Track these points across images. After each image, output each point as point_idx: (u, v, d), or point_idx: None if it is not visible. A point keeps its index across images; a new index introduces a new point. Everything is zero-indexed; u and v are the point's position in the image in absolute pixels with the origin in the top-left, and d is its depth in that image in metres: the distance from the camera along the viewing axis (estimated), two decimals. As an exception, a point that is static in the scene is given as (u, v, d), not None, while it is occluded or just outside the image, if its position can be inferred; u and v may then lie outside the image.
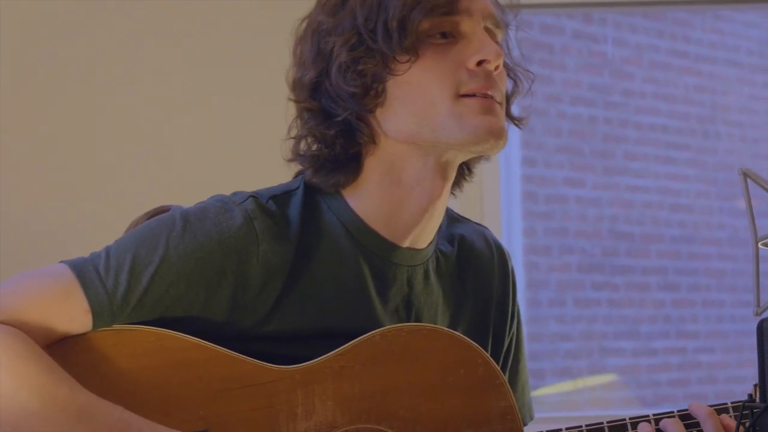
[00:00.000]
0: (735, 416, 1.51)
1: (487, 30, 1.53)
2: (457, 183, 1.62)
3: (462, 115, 1.47)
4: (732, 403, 1.53)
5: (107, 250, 1.47)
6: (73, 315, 1.43)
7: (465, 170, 1.64)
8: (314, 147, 1.54)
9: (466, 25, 1.50)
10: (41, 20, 2.85)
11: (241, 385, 1.45)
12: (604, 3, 3.45)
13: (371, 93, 1.49)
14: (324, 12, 1.53)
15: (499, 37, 1.56)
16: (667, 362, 4.31)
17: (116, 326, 1.44)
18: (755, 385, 1.46)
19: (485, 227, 1.76)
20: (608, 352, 4.20)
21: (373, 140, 1.52)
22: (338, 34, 1.50)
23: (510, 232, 3.82)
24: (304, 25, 1.58)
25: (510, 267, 1.74)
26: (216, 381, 1.44)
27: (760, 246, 1.26)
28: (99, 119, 2.87)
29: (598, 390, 4.15)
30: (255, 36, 2.89)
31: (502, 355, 1.71)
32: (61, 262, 1.47)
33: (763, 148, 4.38)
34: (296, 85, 1.55)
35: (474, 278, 1.68)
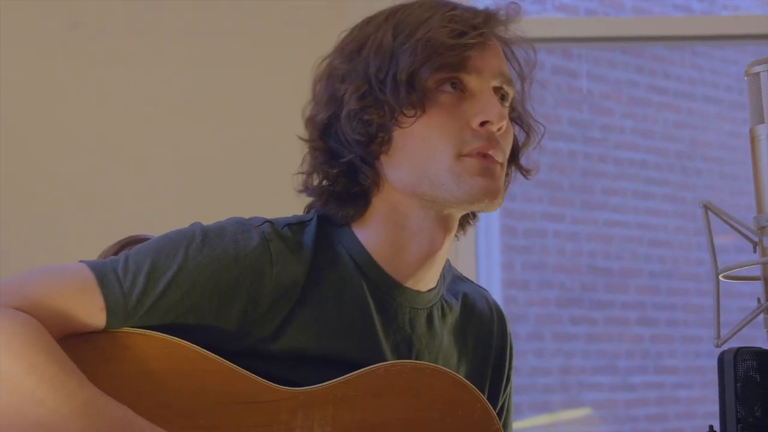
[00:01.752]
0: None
1: (497, 89, 1.56)
2: (462, 226, 1.67)
3: (460, 173, 1.51)
4: None
5: (126, 255, 1.51)
6: (88, 311, 1.45)
7: (469, 215, 1.68)
8: (322, 183, 1.60)
9: (474, 83, 1.54)
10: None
11: (244, 400, 1.47)
12: (583, 38, 3.48)
13: (376, 141, 1.54)
14: (341, 56, 1.58)
15: (511, 93, 1.59)
16: (644, 397, 4.30)
17: (127, 329, 1.47)
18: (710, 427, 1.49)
19: (486, 290, 1.80)
20: (586, 386, 4.20)
21: (376, 183, 1.57)
22: (350, 82, 1.55)
23: (488, 266, 3.83)
24: (324, 64, 1.62)
25: (508, 331, 1.78)
26: (219, 393, 1.47)
27: (720, 278, 1.27)
28: (85, 125, 2.87)
29: (575, 424, 4.14)
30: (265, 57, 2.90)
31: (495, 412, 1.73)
32: (80, 261, 1.50)
33: (741, 184, 4.40)
34: (309, 123, 1.61)
35: (474, 336, 1.71)
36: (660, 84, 4.44)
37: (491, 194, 1.52)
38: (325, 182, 1.59)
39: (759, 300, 1.27)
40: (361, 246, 1.58)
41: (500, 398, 1.74)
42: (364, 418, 1.50)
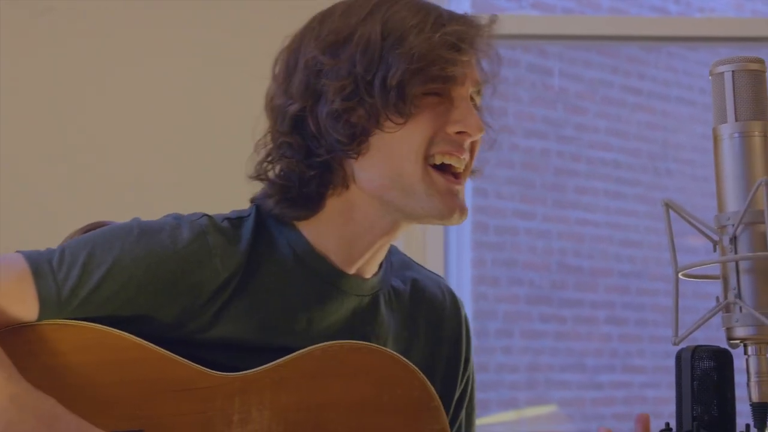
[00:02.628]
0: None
1: (472, 99, 1.58)
2: None
3: (430, 185, 1.52)
4: None
5: (63, 247, 1.51)
6: (21, 302, 1.45)
7: None
8: (286, 178, 1.57)
9: (456, 92, 1.55)
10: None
11: (179, 387, 1.47)
12: (558, 36, 3.48)
13: (356, 142, 1.53)
14: (320, 48, 1.55)
15: (479, 101, 1.61)
16: (612, 396, 4.32)
17: (59, 320, 1.47)
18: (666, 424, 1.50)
19: (440, 276, 1.80)
20: (554, 384, 4.21)
21: (345, 185, 1.56)
22: (333, 78, 1.52)
23: (459, 262, 3.83)
24: (294, 45, 1.60)
25: (463, 314, 1.77)
26: (154, 381, 1.47)
27: (680, 276, 1.27)
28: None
29: (541, 421, 4.15)
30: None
31: (455, 399, 1.73)
32: (17, 251, 1.50)
33: (713, 186, 4.39)
34: (277, 112, 1.58)
35: (426, 321, 1.71)
36: (634, 85, 4.45)
37: (460, 211, 1.54)
38: (290, 180, 1.57)
39: (717, 299, 1.28)
40: (305, 239, 1.58)
41: (459, 383, 1.74)
42: (302, 400, 1.50)
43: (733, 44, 3.42)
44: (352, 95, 1.51)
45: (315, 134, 1.54)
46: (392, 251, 1.72)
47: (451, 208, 1.53)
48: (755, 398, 1.25)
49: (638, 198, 4.39)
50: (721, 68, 1.29)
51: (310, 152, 1.55)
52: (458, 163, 1.55)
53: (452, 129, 1.53)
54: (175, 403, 1.47)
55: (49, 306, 1.46)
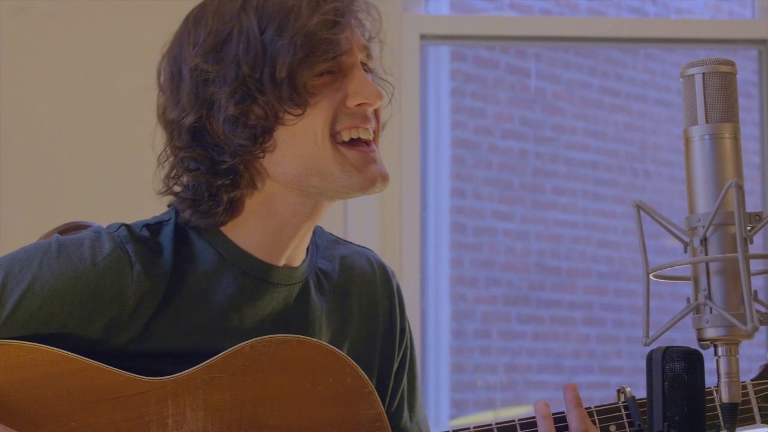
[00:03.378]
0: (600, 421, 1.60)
1: (363, 63, 1.56)
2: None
3: (344, 163, 1.51)
4: (599, 407, 1.62)
5: None
6: None
7: None
8: (194, 191, 1.55)
9: (345, 62, 1.53)
10: None
11: (112, 396, 1.47)
12: (535, 37, 3.49)
13: (260, 141, 1.51)
14: (201, 54, 1.51)
15: (371, 64, 1.59)
16: (589, 397, 4.31)
17: None
18: (618, 390, 1.59)
19: (369, 249, 1.79)
20: (532, 385, 4.21)
21: (254, 185, 1.54)
22: (222, 84, 1.49)
23: (437, 263, 3.83)
24: (173, 52, 1.56)
25: (394, 284, 1.76)
26: (86, 392, 1.47)
27: (651, 277, 1.28)
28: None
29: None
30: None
31: (395, 370, 1.73)
32: None
33: (690, 187, 4.42)
34: (173, 125, 1.55)
35: (358, 296, 1.70)
36: (612, 86, 4.46)
37: (381, 179, 1.54)
38: (202, 191, 1.53)
39: (688, 300, 1.28)
40: (229, 240, 1.56)
41: (397, 354, 1.74)
42: (236, 397, 1.51)
43: (710, 46, 3.43)
44: (245, 97, 1.49)
45: (216, 143, 1.52)
46: (316, 233, 1.70)
47: (370, 179, 1.53)
48: (725, 399, 1.25)
49: (616, 199, 4.41)
50: (691, 70, 1.30)
51: (214, 161, 1.52)
52: (366, 135, 1.53)
53: (352, 102, 1.52)
54: (109, 411, 1.47)
55: None
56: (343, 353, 1.56)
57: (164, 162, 1.58)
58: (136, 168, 2.84)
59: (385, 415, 1.57)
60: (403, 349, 1.75)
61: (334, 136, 1.52)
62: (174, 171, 1.57)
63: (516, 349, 4.20)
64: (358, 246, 1.77)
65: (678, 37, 3.51)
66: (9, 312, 1.46)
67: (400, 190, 2.96)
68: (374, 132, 1.56)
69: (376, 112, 1.56)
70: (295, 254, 1.60)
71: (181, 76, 1.53)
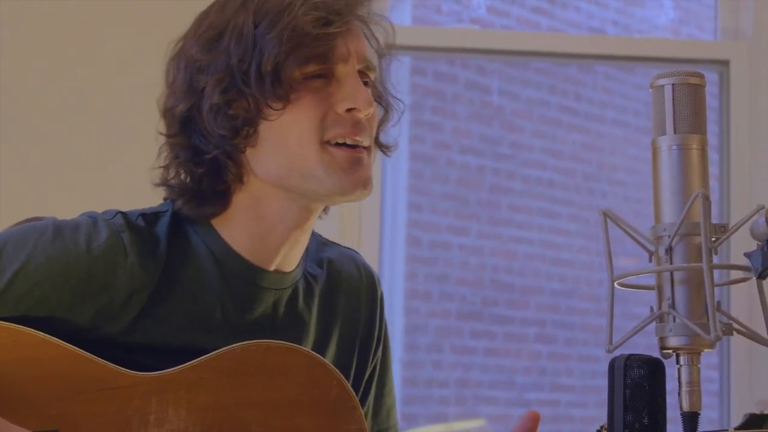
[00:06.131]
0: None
1: (361, 73, 1.55)
2: (325, 209, 1.64)
3: (329, 164, 1.50)
4: None
5: None
6: None
7: None
8: (182, 179, 1.55)
9: (340, 69, 1.52)
10: None
11: (95, 387, 1.45)
12: (498, 51, 3.51)
13: (242, 135, 1.51)
14: (198, 44, 1.53)
15: (373, 76, 1.58)
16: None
17: None
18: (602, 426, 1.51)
19: (355, 251, 1.78)
20: (482, 400, 4.22)
21: (240, 179, 1.54)
22: (211, 74, 1.50)
23: (392, 276, 3.83)
24: (178, 48, 1.58)
25: (379, 291, 1.76)
26: (69, 381, 1.44)
27: (615, 285, 1.28)
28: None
29: (469, 436, 4.16)
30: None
31: (366, 376, 1.72)
32: None
33: (645, 208, 4.44)
34: (167, 115, 1.57)
35: (344, 301, 1.70)
36: (571, 105, 4.49)
37: (363, 184, 1.52)
38: (188, 180, 1.55)
39: (651, 309, 1.29)
40: (220, 238, 1.56)
41: (371, 360, 1.73)
42: (219, 399, 1.49)
43: (669, 65, 3.46)
44: (230, 87, 1.49)
45: (202, 132, 1.52)
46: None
47: (353, 182, 1.50)
48: (686, 407, 1.26)
49: (571, 218, 4.43)
50: (661, 81, 1.30)
51: (198, 150, 1.53)
52: (354, 144, 1.52)
53: (340, 107, 1.50)
54: (91, 402, 1.45)
55: None
56: (331, 365, 1.55)
57: (162, 154, 1.59)
58: (136, 168, 2.83)
59: (367, 430, 1.56)
60: (376, 358, 1.75)
61: (323, 142, 1.50)
62: (166, 161, 1.57)
63: (468, 363, 4.21)
64: (345, 248, 1.76)
65: (639, 55, 3.54)
66: (0, 291, 1.45)
67: (360, 202, 2.96)
68: (367, 148, 1.53)
69: (371, 126, 1.55)
70: (287, 260, 1.59)
71: (179, 68, 1.55)
